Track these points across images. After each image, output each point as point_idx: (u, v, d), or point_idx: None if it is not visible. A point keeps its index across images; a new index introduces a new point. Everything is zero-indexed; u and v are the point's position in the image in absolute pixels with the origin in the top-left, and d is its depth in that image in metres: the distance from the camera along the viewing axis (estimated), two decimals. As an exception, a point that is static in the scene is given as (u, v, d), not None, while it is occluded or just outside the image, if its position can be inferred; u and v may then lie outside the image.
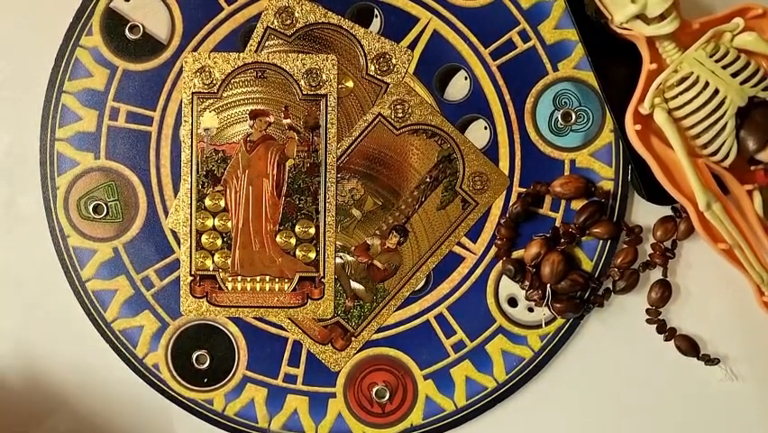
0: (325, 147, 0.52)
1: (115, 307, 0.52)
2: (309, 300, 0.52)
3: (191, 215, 0.52)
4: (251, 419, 0.52)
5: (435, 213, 0.52)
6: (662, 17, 0.48)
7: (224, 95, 0.52)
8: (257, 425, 0.53)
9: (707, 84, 0.48)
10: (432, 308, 0.53)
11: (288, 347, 0.53)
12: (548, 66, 0.52)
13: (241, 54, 0.51)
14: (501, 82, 0.52)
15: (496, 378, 0.53)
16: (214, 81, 0.51)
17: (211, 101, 0.52)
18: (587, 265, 0.53)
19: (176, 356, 0.52)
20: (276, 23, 0.52)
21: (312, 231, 0.52)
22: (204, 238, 0.52)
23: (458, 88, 0.52)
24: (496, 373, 0.53)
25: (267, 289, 0.52)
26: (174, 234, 0.52)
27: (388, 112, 0.52)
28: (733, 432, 0.54)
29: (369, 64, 0.52)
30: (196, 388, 0.52)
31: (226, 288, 0.52)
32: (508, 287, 0.53)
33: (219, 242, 0.52)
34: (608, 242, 0.52)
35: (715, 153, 0.49)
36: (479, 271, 0.53)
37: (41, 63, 0.52)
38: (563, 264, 0.51)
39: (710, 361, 0.53)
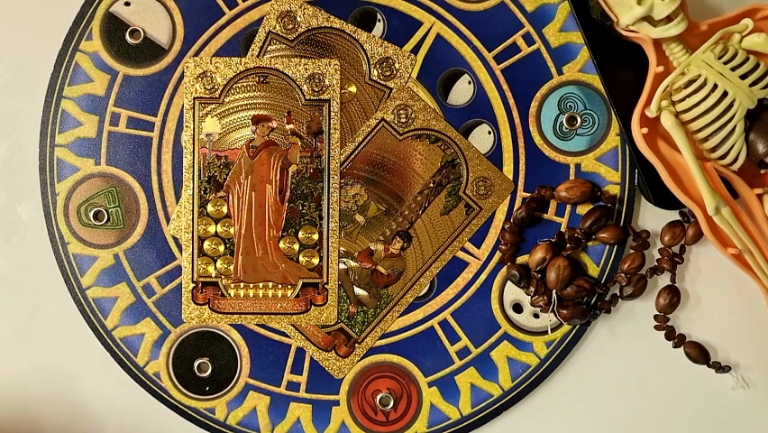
0: (328, 152, 0.52)
1: (116, 314, 0.52)
2: (312, 307, 0.52)
3: (193, 221, 0.52)
4: (253, 427, 0.52)
5: (439, 218, 0.52)
6: (669, 19, 0.48)
7: (226, 100, 0.51)
8: (259, 433, 0.52)
9: (715, 86, 0.48)
10: (436, 314, 0.52)
11: (291, 354, 0.52)
12: (553, 69, 0.52)
13: (243, 59, 0.51)
14: (505, 86, 0.52)
15: (501, 385, 0.52)
16: (216, 86, 0.51)
17: (213, 106, 0.51)
18: (593, 271, 0.52)
19: (177, 364, 0.52)
20: (278, 27, 0.51)
21: (315, 237, 0.52)
22: (206, 244, 0.51)
23: (461, 93, 0.52)
24: (501, 381, 0.52)
25: (270, 295, 0.52)
26: (176, 240, 0.52)
27: (392, 117, 0.52)
28: (744, 441, 0.53)
29: (372, 69, 0.52)
30: (197, 396, 0.52)
31: (229, 294, 0.52)
32: (513, 293, 0.52)
33: (221, 248, 0.52)
34: (615, 247, 0.52)
35: (724, 157, 0.49)
36: (483, 277, 0.52)
37: (41, 68, 0.52)
38: (569, 270, 0.50)
39: (721, 368, 0.52)
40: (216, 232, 0.52)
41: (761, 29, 0.49)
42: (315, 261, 0.52)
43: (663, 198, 0.51)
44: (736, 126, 0.48)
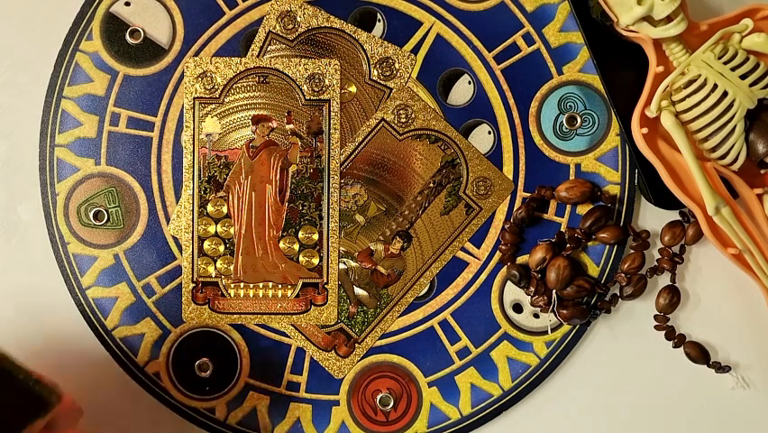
0: (328, 152, 0.52)
1: (116, 314, 0.52)
2: (313, 307, 0.52)
3: (193, 221, 0.52)
4: (253, 427, 0.52)
5: (439, 218, 0.52)
6: (669, 19, 0.48)
7: (226, 100, 0.51)
8: (259, 433, 0.52)
9: (715, 86, 0.48)
10: (436, 314, 0.52)
11: (291, 354, 0.52)
12: (553, 69, 0.52)
13: (243, 59, 0.51)
14: (505, 86, 0.52)
15: (501, 385, 0.52)
16: (216, 86, 0.51)
17: (213, 106, 0.51)
18: (593, 271, 0.52)
19: (177, 364, 0.52)
20: (278, 27, 0.51)
21: (315, 237, 0.52)
22: (206, 244, 0.51)
23: (461, 93, 0.52)
24: (501, 381, 0.52)
25: (270, 295, 0.52)
26: (176, 240, 0.52)
27: (392, 117, 0.52)
28: (744, 441, 0.53)
29: (372, 69, 0.52)
30: (197, 396, 0.52)
31: (229, 294, 0.52)
32: (513, 293, 0.52)
33: (221, 248, 0.52)
34: (615, 247, 0.52)
35: (724, 157, 0.49)
36: (483, 277, 0.52)
37: (41, 68, 0.52)
38: (569, 270, 0.50)
39: (721, 368, 0.52)
40: (216, 232, 0.52)
41: (761, 29, 0.49)
42: (315, 261, 0.52)
43: (663, 198, 0.51)
44: (736, 126, 0.48)
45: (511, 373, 0.52)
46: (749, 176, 0.50)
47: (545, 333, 0.52)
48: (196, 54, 0.51)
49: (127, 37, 0.52)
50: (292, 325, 0.52)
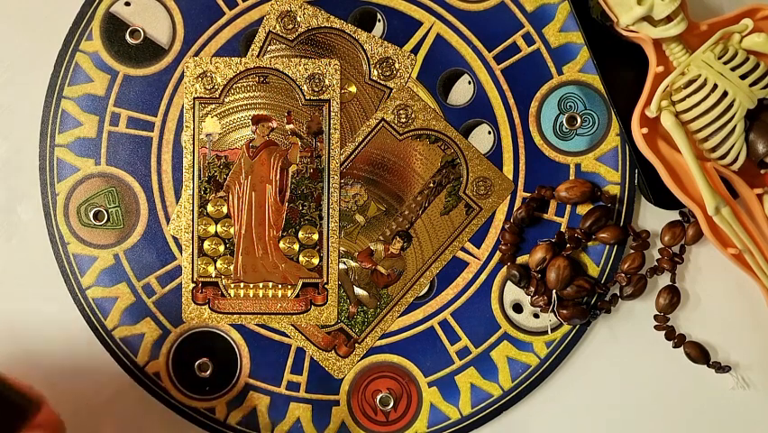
0: (328, 152, 0.52)
1: (116, 314, 0.52)
2: (312, 307, 0.52)
3: (193, 221, 0.52)
4: (253, 428, 0.52)
5: (439, 218, 0.52)
6: (669, 19, 0.48)
7: (226, 100, 0.51)
8: (259, 433, 0.52)
9: (715, 86, 0.48)
10: (436, 314, 0.52)
11: (291, 354, 0.52)
12: (553, 69, 0.52)
13: (243, 59, 0.51)
14: (505, 86, 0.52)
15: (501, 385, 0.52)
16: (216, 86, 0.51)
17: (213, 106, 0.51)
18: (593, 271, 0.52)
19: (177, 364, 0.52)
20: (278, 27, 0.51)
21: (315, 237, 0.52)
22: (206, 244, 0.51)
23: (461, 93, 0.52)
24: (501, 381, 0.52)
25: (270, 295, 0.52)
26: (176, 240, 0.52)
27: (392, 117, 0.52)
28: (744, 441, 0.53)
29: (372, 69, 0.52)
30: (197, 396, 0.52)
31: (229, 294, 0.52)
32: (513, 293, 0.52)
33: (221, 248, 0.52)
34: (615, 247, 0.52)
35: (724, 157, 0.49)
36: (483, 277, 0.52)
37: (41, 68, 0.51)
38: (569, 270, 0.50)
39: (721, 368, 0.52)
40: (216, 232, 0.52)
41: (761, 29, 0.49)
42: (315, 261, 0.52)
43: (663, 198, 0.51)
44: (736, 126, 0.48)
45: (511, 373, 0.52)
46: (749, 176, 0.50)
47: (545, 333, 0.52)
48: (196, 54, 0.51)
49: (127, 37, 0.52)
50: (292, 325, 0.52)
